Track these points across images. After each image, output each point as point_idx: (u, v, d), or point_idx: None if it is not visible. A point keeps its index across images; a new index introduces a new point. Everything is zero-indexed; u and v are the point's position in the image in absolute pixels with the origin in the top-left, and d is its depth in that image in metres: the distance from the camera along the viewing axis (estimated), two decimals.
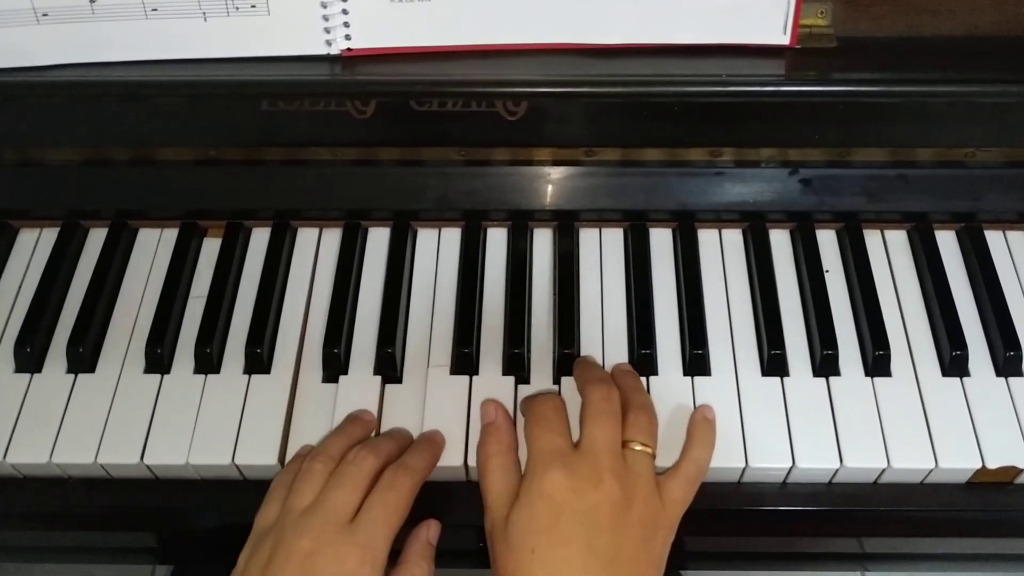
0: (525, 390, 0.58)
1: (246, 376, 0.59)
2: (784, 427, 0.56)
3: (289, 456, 0.56)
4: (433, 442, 0.56)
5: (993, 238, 0.65)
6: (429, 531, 0.54)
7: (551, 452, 0.51)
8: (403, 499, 0.51)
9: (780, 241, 0.65)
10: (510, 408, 0.57)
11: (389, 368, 0.59)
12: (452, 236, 0.66)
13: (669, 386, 0.58)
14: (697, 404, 0.57)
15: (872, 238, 0.65)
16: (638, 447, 0.52)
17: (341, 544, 0.48)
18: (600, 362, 0.60)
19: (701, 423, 0.56)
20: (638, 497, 0.50)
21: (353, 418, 0.57)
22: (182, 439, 0.56)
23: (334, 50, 0.59)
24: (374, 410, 0.58)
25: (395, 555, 0.51)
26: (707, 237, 0.65)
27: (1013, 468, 0.55)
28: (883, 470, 0.55)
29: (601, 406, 0.53)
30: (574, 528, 0.48)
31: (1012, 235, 0.65)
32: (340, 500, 0.50)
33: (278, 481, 0.54)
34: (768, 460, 0.55)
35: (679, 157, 0.64)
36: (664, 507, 0.51)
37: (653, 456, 0.53)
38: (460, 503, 0.56)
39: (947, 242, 0.65)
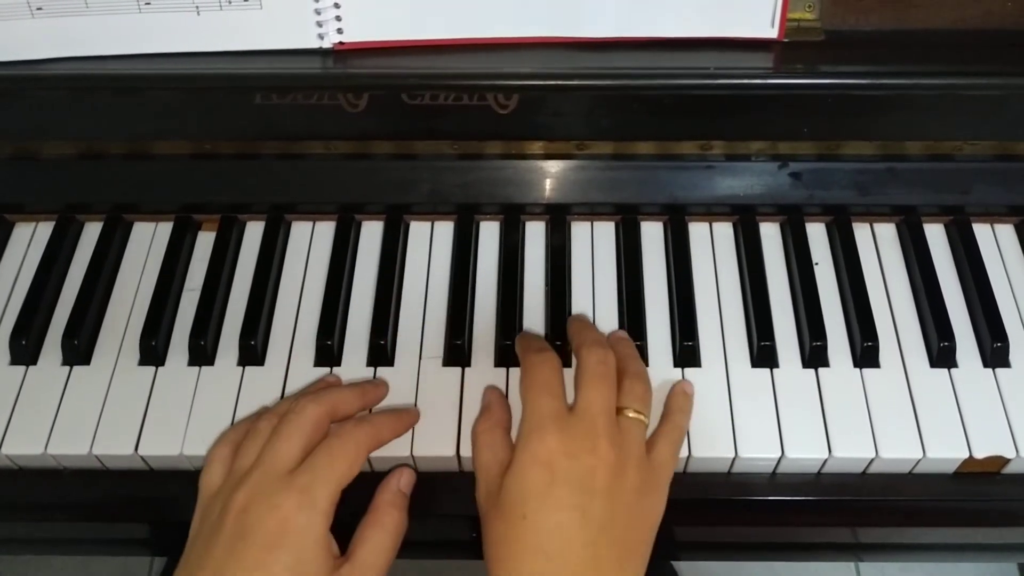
0: (516, 374, 0.58)
1: (240, 368, 0.60)
2: (773, 418, 0.57)
3: None
4: (405, 411, 0.56)
5: (981, 231, 0.65)
6: (401, 479, 0.53)
7: (546, 415, 0.50)
8: (350, 449, 0.50)
9: (770, 234, 0.65)
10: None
11: (382, 360, 0.60)
12: (445, 229, 0.66)
13: (659, 377, 0.58)
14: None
15: (861, 231, 0.65)
16: (632, 414, 0.52)
17: (276, 492, 0.47)
18: None
19: (681, 395, 0.56)
20: (631, 463, 0.50)
21: (318, 380, 0.58)
22: (176, 430, 0.57)
23: (326, 43, 0.60)
24: None
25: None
26: (698, 230, 0.66)
27: (1000, 458, 0.55)
28: (871, 460, 0.56)
29: (598, 369, 0.52)
30: (568, 493, 0.47)
31: (1000, 228, 0.66)
32: (279, 451, 0.49)
33: (220, 441, 0.53)
34: (758, 450, 0.56)
35: (670, 151, 0.64)
36: (654, 471, 0.51)
37: (646, 425, 0.52)
38: (452, 493, 0.56)
39: (935, 235, 0.65)
